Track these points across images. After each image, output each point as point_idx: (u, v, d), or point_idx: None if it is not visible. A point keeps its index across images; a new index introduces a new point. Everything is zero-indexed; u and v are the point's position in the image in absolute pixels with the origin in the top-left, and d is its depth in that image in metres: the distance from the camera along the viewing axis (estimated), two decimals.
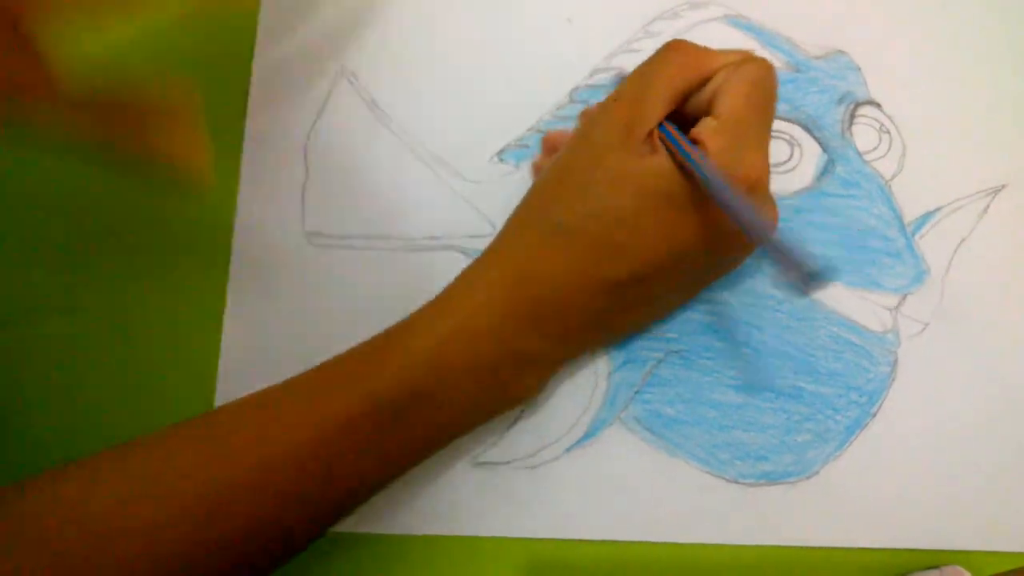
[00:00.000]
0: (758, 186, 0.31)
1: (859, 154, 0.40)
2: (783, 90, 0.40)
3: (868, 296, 0.38)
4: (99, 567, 0.25)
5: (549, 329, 0.31)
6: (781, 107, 0.40)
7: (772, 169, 0.39)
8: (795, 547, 0.35)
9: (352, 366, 0.30)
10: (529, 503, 0.35)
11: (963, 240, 0.39)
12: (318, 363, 0.31)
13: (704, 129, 0.31)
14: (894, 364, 0.37)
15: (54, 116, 0.29)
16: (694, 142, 0.31)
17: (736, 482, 0.36)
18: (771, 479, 0.36)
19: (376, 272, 0.37)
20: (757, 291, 0.38)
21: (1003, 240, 0.39)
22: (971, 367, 0.38)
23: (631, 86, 0.32)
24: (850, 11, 0.42)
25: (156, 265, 0.37)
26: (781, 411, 0.36)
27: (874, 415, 0.37)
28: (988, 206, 0.40)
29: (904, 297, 0.38)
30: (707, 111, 0.32)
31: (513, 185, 0.38)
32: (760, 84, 0.32)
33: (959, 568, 0.34)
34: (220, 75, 0.39)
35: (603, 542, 0.35)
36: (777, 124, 0.40)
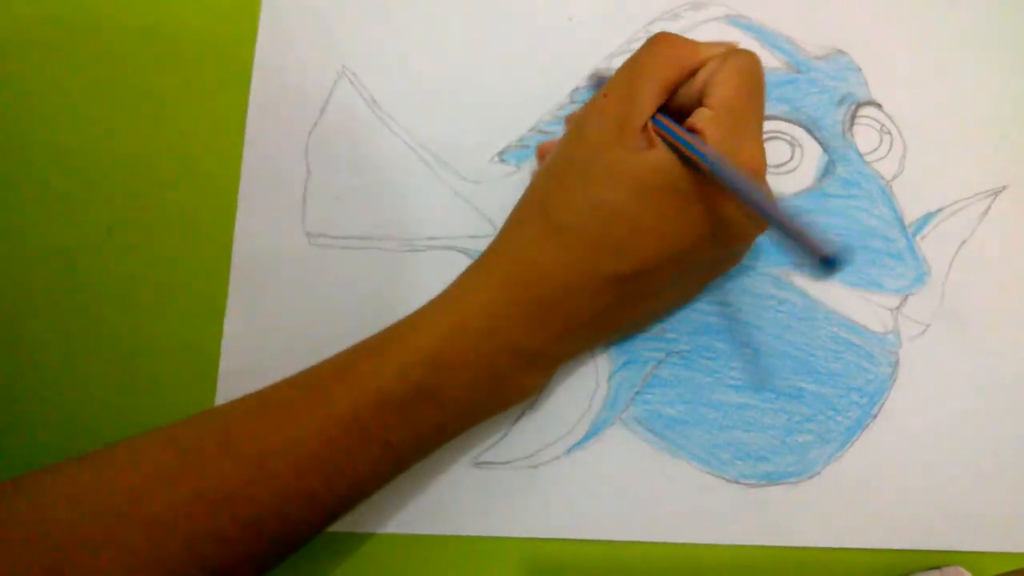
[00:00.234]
0: (757, 175, 0.31)
1: (860, 155, 0.40)
2: (784, 90, 0.40)
3: (869, 297, 0.38)
4: (106, 558, 0.25)
5: (550, 328, 0.31)
6: (781, 107, 0.40)
7: (774, 170, 0.39)
8: (796, 548, 0.35)
9: (355, 363, 0.30)
10: (530, 503, 0.35)
11: (964, 241, 0.39)
12: (320, 362, 0.31)
13: (700, 119, 0.31)
14: (895, 365, 0.37)
15: None
16: (691, 132, 0.31)
17: (737, 482, 0.36)
18: (772, 479, 0.36)
19: (376, 272, 0.37)
20: (757, 291, 0.38)
21: (1004, 241, 0.39)
22: (972, 368, 0.38)
23: (620, 81, 0.32)
24: (850, 11, 0.42)
25: (156, 265, 0.37)
26: (782, 412, 0.36)
27: (875, 416, 0.37)
28: (989, 207, 0.40)
29: (905, 298, 0.38)
30: (696, 103, 0.32)
31: (513, 185, 0.38)
32: (749, 73, 0.32)
33: (960, 569, 0.34)
34: (220, 75, 0.39)
35: (604, 542, 0.35)
36: (778, 125, 0.40)
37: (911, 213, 0.39)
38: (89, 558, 0.25)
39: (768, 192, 0.28)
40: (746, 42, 0.41)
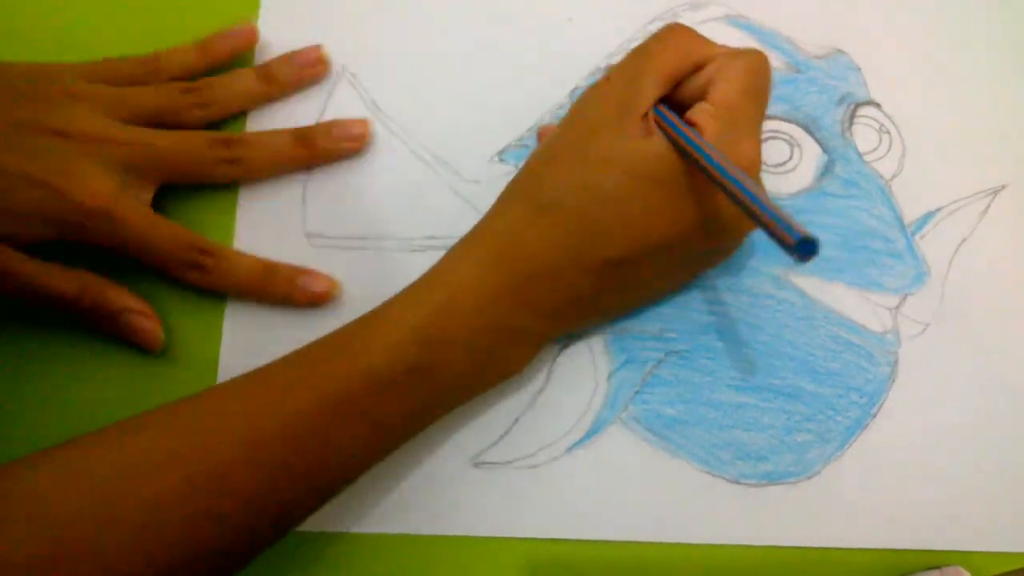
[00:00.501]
0: (751, 172, 0.31)
1: (859, 154, 0.40)
2: (783, 90, 0.40)
3: (868, 296, 0.38)
4: (105, 537, 0.26)
5: (536, 305, 0.31)
6: (781, 107, 0.40)
7: (773, 170, 0.39)
8: (796, 547, 0.35)
9: (346, 341, 0.30)
10: (529, 503, 0.35)
11: (963, 240, 0.39)
12: (310, 342, 0.31)
13: (700, 113, 0.31)
14: (894, 364, 0.37)
15: None
16: (690, 125, 0.31)
17: (737, 482, 0.36)
18: (772, 479, 0.36)
19: (376, 272, 0.37)
20: (757, 291, 0.38)
21: (1003, 240, 0.39)
22: (971, 367, 0.38)
23: (627, 66, 0.33)
24: (850, 11, 0.42)
25: None
26: (781, 411, 0.36)
27: (874, 415, 0.37)
28: (988, 206, 0.40)
29: (904, 297, 0.38)
30: (700, 98, 0.32)
31: None
32: (755, 74, 0.32)
33: (960, 568, 0.34)
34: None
35: (604, 542, 0.35)
36: (777, 124, 0.40)
37: (910, 213, 0.39)
38: (88, 538, 0.25)
39: (756, 188, 0.28)
40: (745, 42, 0.41)
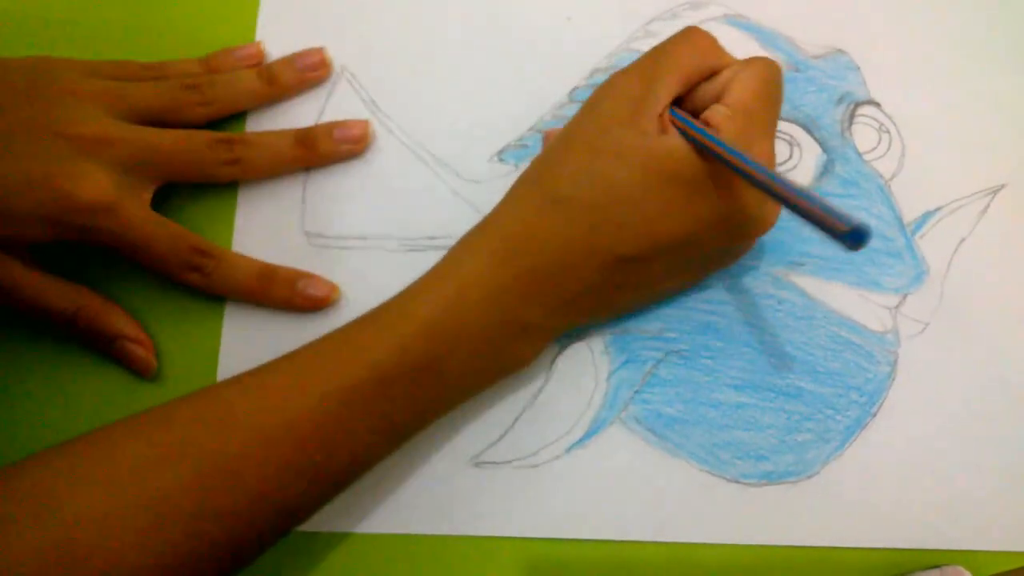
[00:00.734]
0: None
1: (859, 154, 0.40)
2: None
3: (868, 296, 0.38)
4: (112, 535, 0.26)
5: (545, 298, 0.31)
6: (781, 107, 0.40)
7: None
8: (796, 547, 0.35)
9: (353, 336, 0.30)
10: (529, 503, 0.35)
11: (963, 240, 0.39)
12: (318, 337, 0.31)
13: (716, 115, 0.31)
14: (894, 364, 0.37)
15: None
16: (706, 126, 0.31)
17: (737, 482, 0.36)
18: (772, 479, 0.36)
19: (376, 272, 0.37)
20: (757, 291, 0.38)
21: (1003, 240, 0.39)
22: (971, 367, 0.38)
23: (644, 63, 0.33)
24: (850, 11, 0.42)
25: None
26: (781, 411, 0.36)
27: (874, 415, 0.37)
28: (988, 206, 0.40)
29: (904, 297, 0.38)
30: (712, 103, 0.32)
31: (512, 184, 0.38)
32: (769, 81, 0.32)
33: (960, 568, 0.34)
34: None
35: (604, 542, 0.35)
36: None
37: (910, 212, 0.39)
38: (96, 535, 0.25)
39: (795, 181, 0.28)
40: (745, 42, 0.41)
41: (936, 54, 0.42)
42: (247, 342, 0.36)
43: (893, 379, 0.37)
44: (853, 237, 0.25)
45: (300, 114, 0.39)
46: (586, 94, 0.40)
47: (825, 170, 0.39)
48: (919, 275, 0.38)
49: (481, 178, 0.39)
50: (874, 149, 0.40)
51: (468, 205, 0.38)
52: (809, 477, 0.36)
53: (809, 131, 0.40)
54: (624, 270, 0.32)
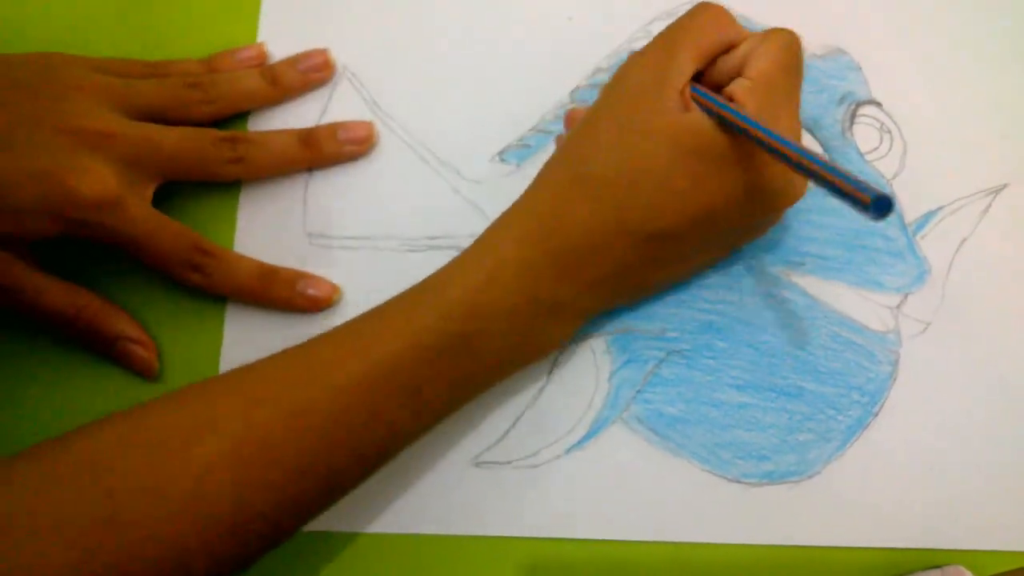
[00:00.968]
0: None
1: (860, 154, 0.40)
2: None
3: (869, 296, 0.38)
4: (154, 505, 0.26)
5: (577, 278, 0.32)
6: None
7: None
8: (797, 547, 0.35)
9: (393, 314, 0.31)
10: (530, 503, 0.35)
11: (964, 240, 0.39)
12: (354, 317, 0.31)
13: (738, 88, 0.31)
14: (895, 364, 0.37)
15: None
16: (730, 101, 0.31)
17: (738, 481, 0.36)
18: (773, 479, 0.36)
19: (377, 272, 0.37)
20: (758, 290, 0.38)
21: (1004, 240, 0.39)
22: (973, 367, 0.38)
23: (662, 41, 0.33)
24: (851, 11, 0.42)
25: None
26: (783, 411, 0.36)
27: (876, 415, 0.37)
28: (989, 205, 0.40)
29: (905, 297, 0.38)
30: (733, 77, 0.32)
31: (514, 185, 0.38)
32: (789, 50, 0.32)
33: (961, 568, 0.34)
34: None
35: (605, 542, 0.35)
36: None
37: (911, 212, 0.39)
38: (140, 505, 0.26)
39: (826, 156, 0.28)
40: None
41: (937, 53, 0.42)
42: (249, 343, 0.36)
43: (894, 379, 0.37)
44: (876, 207, 0.25)
45: (302, 114, 0.39)
46: (587, 93, 0.40)
47: None
48: (921, 275, 0.38)
49: (483, 178, 0.39)
50: (876, 149, 0.40)
51: (470, 205, 0.38)
52: (810, 477, 0.36)
53: (811, 131, 0.40)
54: (654, 247, 0.32)
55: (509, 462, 0.35)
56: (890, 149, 0.40)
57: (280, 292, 0.36)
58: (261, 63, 0.39)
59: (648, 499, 0.35)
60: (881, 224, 0.39)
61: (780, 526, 0.35)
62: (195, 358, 0.36)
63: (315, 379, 0.29)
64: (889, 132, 0.40)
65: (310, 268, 0.37)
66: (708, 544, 0.35)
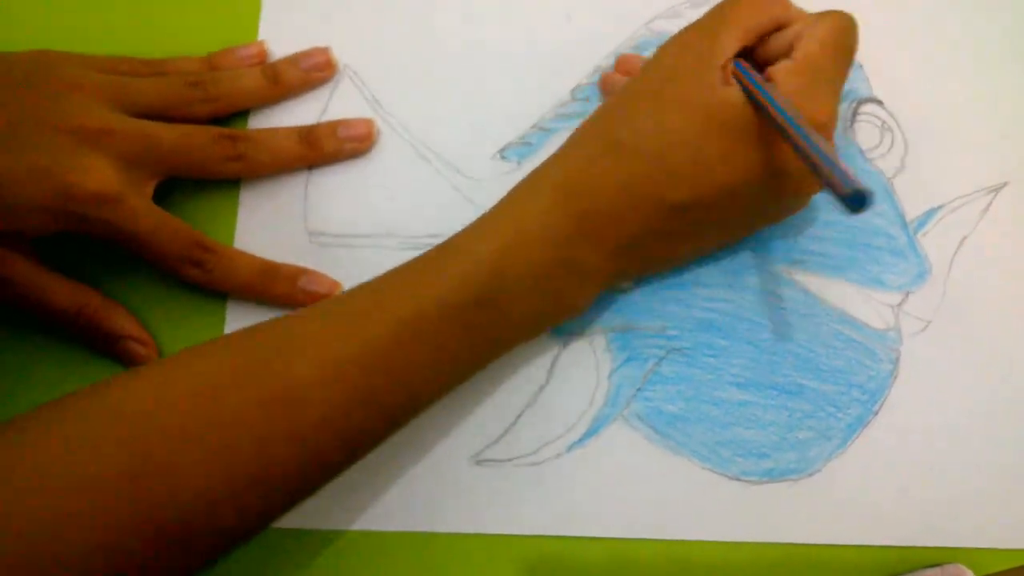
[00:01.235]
0: (823, 130, 0.32)
1: (861, 152, 0.40)
2: None
3: (870, 294, 0.38)
4: (181, 456, 0.26)
5: (601, 240, 0.32)
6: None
7: None
8: (797, 544, 0.35)
9: (418, 272, 0.31)
10: (531, 501, 0.35)
11: (965, 238, 0.39)
12: (379, 274, 0.32)
13: (779, 69, 0.31)
14: (896, 362, 0.37)
15: None
16: (769, 80, 0.31)
17: (738, 479, 0.36)
18: (773, 476, 0.36)
19: (378, 270, 0.37)
20: (759, 288, 0.38)
21: (1005, 238, 0.39)
22: (973, 365, 0.38)
23: (709, 18, 0.33)
24: (851, 9, 0.42)
25: None
26: (783, 408, 0.36)
27: (876, 413, 0.37)
28: (990, 204, 0.40)
29: (906, 295, 0.38)
30: (784, 55, 0.32)
31: (515, 183, 0.38)
32: (842, 32, 0.33)
33: (961, 566, 0.34)
34: None
35: (605, 539, 0.35)
36: None
37: (912, 210, 0.39)
38: (171, 453, 0.26)
39: (821, 139, 0.28)
40: None
41: (938, 51, 0.42)
42: None
43: (895, 377, 0.37)
44: (852, 200, 0.25)
45: (302, 112, 0.39)
46: (588, 92, 0.40)
47: None
48: (921, 273, 0.38)
49: (484, 176, 0.39)
50: (876, 147, 0.40)
51: (470, 203, 0.38)
52: (811, 475, 0.36)
53: None
54: (678, 218, 0.32)
55: (510, 460, 0.35)
56: (891, 147, 0.40)
57: (281, 288, 0.36)
58: (262, 61, 0.39)
59: (648, 497, 0.35)
60: (881, 222, 0.39)
61: (780, 524, 0.35)
62: None
63: (343, 333, 0.29)
64: (890, 130, 0.40)
65: (310, 266, 0.37)
66: (708, 542, 0.35)
